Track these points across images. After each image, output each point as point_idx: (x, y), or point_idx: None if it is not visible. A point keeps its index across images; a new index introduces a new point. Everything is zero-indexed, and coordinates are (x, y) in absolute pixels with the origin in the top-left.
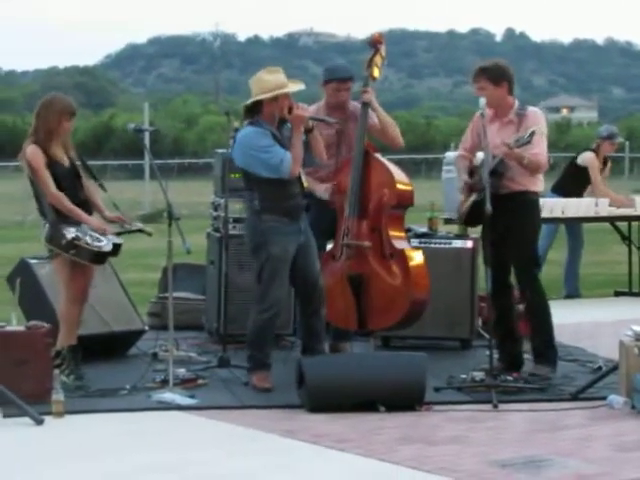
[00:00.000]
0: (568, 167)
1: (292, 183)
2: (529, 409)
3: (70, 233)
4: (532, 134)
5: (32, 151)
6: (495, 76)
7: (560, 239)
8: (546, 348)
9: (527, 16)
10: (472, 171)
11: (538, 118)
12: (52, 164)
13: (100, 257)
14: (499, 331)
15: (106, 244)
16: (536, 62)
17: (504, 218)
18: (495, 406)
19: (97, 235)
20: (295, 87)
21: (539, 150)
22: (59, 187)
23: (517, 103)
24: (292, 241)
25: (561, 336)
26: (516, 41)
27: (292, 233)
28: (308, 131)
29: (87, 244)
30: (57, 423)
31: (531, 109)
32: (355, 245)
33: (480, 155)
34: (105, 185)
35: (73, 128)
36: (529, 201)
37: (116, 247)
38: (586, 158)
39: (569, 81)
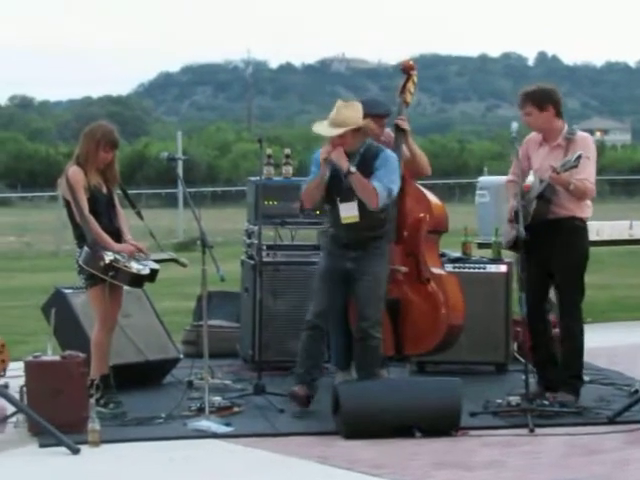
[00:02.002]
0: None
1: (332, 212)
2: (565, 433)
3: (108, 256)
4: (579, 158)
5: (74, 170)
6: (540, 101)
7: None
8: (574, 377)
9: (559, 39)
10: (523, 196)
11: (587, 143)
12: (90, 189)
13: (139, 280)
14: (538, 356)
15: (143, 268)
16: (569, 85)
17: (550, 244)
18: (531, 430)
19: (134, 259)
20: (324, 131)
21: (586, 175)
22: (94, 212)
23: (566, 127)
24: (334, 261)
25: (597, 359)
26: (548, 64)
27: (335, 255)
28: (347, 174)
29: (126, 266)
30: (93, 452)
31: (580, 133)
32: (391, 270)
33: (530, 179)
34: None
35: (115, 159)
36: (576, 227)
37: (153, 272)
38: None
39: (602, 104)
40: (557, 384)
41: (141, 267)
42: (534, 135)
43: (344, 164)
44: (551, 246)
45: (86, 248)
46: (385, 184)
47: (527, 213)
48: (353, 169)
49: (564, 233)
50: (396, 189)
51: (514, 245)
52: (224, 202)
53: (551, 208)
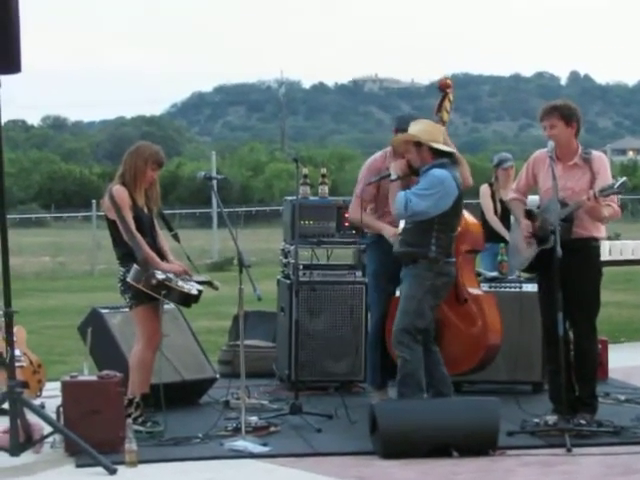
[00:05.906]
0: None
1: None
2: (602, 453)
3: (160, 274)
4: (623, 184)
5: (119, 189)
6: (567, 115)
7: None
8: (591, 397)
9: (591, 58)
10: (529, 215)
11: (604, 162)
12: (135, 208)
13: (188, 299)
14: (558, 381)
15: (192, 288)
16: (601, 104)
17: (566, 264)
18: (569, 450)
19: (180, 279)
20: None
21: (612, 197)
22: (139, 232)
23: (581, 147)
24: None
25: (633, 378)
26: (581, 83)
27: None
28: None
29: (177, 285)
30: (130, 472)
31: (595, 153)
32: None
33: (534, 199)
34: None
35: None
36: (592, 247)
37: (199, 293)
38: (480, 190)
39: (635, 123)
40: (575, 407)
41: (190, 287)
42: (541, 154)
43: (392, 170)
44: (568, 266)
45: (136, 266)
46: (407, 194)
47: (545, 235)
48: (394, 176)
49: (582, 253)
50: (419, 202)
51: (530, 266)
52: (258, 222)
53: (573, 229)
